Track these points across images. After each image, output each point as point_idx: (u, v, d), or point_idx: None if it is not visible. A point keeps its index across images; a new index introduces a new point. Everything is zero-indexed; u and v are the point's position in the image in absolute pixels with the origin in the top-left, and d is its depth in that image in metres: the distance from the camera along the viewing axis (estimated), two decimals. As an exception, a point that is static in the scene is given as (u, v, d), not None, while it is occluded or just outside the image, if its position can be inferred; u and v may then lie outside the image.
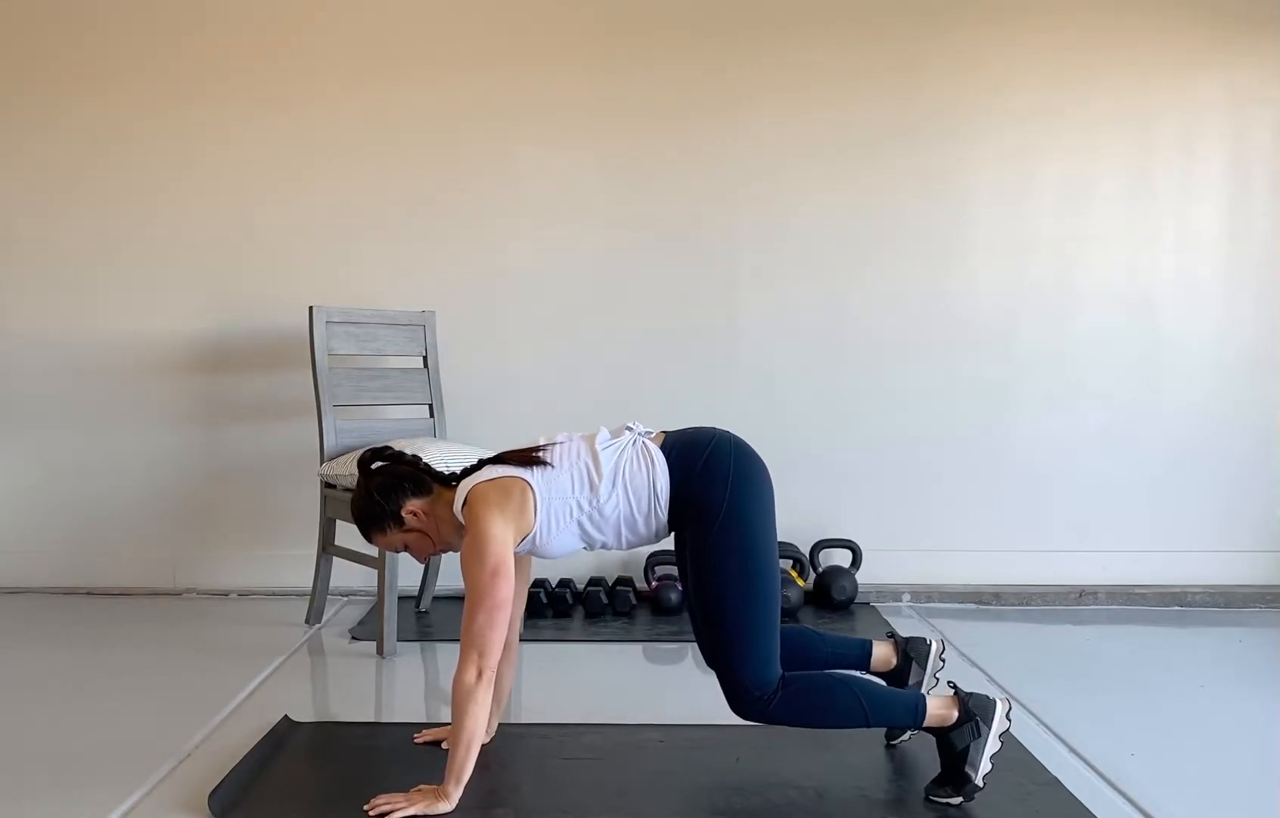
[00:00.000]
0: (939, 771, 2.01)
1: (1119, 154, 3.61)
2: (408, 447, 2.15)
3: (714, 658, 1.99)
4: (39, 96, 3.60)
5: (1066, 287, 3.63)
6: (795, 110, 3.60)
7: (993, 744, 1.96)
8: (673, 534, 2.07)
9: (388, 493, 2.03)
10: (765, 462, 2.05)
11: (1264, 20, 3.56)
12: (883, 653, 2.23)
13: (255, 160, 3.61)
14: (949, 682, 2.15)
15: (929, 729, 2.00)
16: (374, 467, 2.09)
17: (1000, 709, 1.98)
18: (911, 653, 2.22)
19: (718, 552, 1.95)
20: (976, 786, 1.95)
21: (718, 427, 2.08)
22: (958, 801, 1.96)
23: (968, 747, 1.95)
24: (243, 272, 3.62)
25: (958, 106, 3.60)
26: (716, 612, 1.96)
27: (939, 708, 1.99)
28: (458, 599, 3.48)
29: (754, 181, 3.62)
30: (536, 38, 3.60)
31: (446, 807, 1.86)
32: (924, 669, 2.22)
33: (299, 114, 3.60)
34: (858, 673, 2.11)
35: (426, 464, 2.10)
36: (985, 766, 1.95)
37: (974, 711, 1.97)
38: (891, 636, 2.29)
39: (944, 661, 2.27)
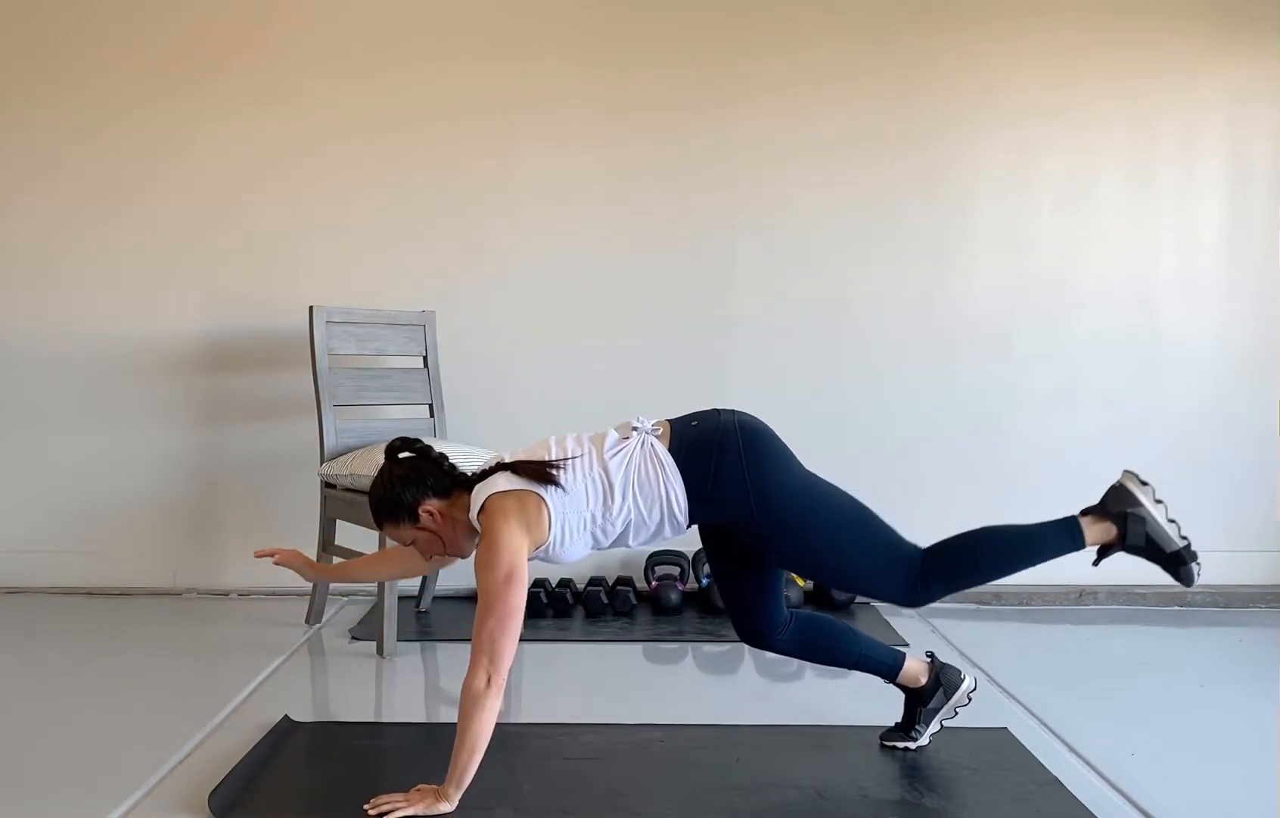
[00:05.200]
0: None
1: (1119, 154, 3.61)
2: (436, 444, 2.14)
3: (862, 592, 2.14)
4: (34, 94, 3.60)
5: (1066, 286, 3.63)
6: (795, 109, 3.60)
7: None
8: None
9: (408, 485, 2.01)
10: (775, 432, 2.08)
11: (1264, 20, 3.56)
12: (914, 668, 2.21)
13: (254, 158, 3.60)
14: (927, 652, 2.28)
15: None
16: (401, 455, 2.08)
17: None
18: (942, 679, 2.20)
19: (785, 534, 2.00)
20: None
21: (720, 412, 2.08)
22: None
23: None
24: (243, 272, 3.62)
25: (958, 106, 3.60)
26: (834, 567, 2.07)
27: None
28: (458, 599, 3.48)
29: (754, 180, 3.61)
30: (536, 36, 3.60)
31: (446, 808, 1.86)
32: (948, 699, 2.20)
33: (298, 112, 3.59)
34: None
35: (452, 465, 2.08)
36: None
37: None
38: (930, 656, 2.25)
39: (971, 699, 2.24)
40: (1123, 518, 2.04)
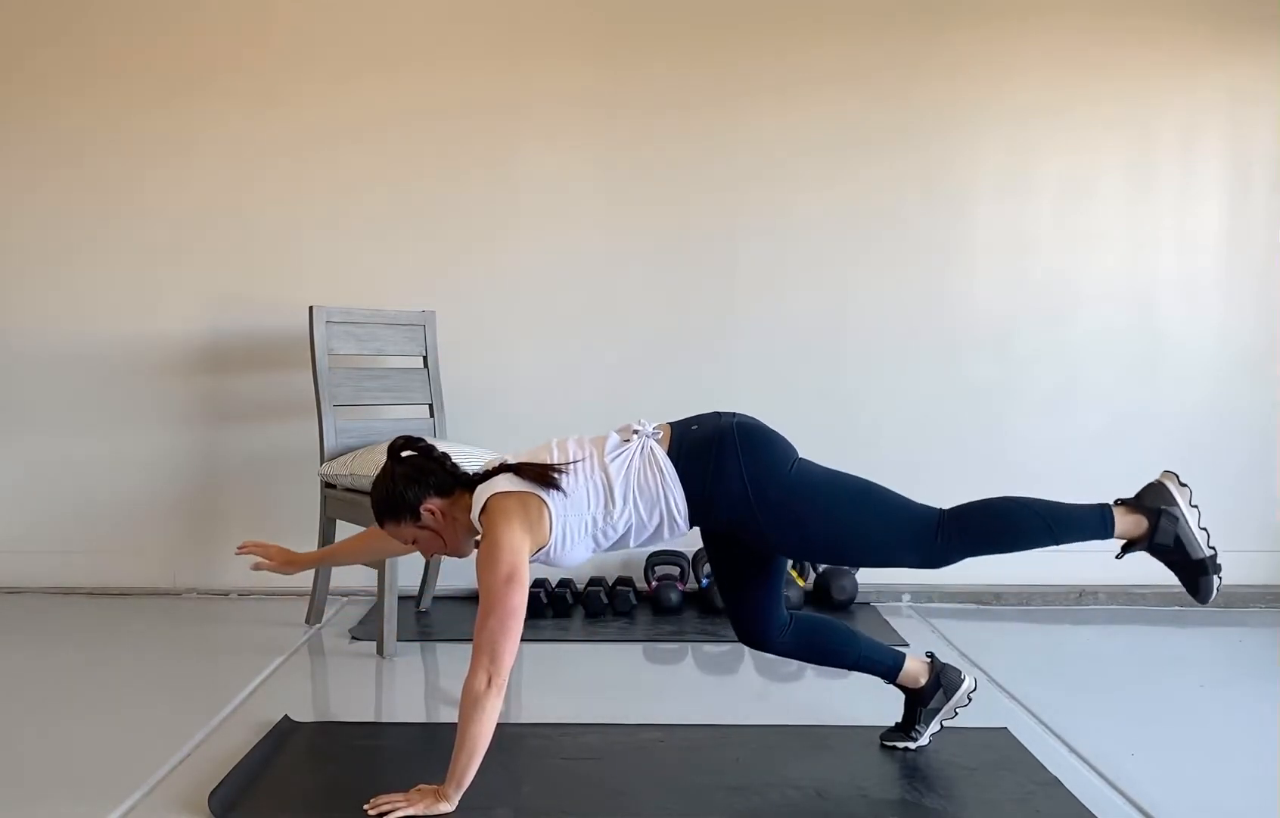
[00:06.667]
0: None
1: (1119, 154, 3.61)
2: (439, 444, 2.15)
3: (878, 563, 2.08)
4: (34, 95, 3.60)
5: (1066, 286, 3.63)
6: (795, 109, 3.60)
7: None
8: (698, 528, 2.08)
9: (410, 484, 2.01)
10: (774, 430, 2.07)
11: (1264, 20, 3.56)
12: (914, 669, 2.20)
13: (254, 159, 3.60)
14: (927, 653, 2.26)
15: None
16: (404, 454, 2.08)
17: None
18: (943, 680, 2.19)
19: (786, 527, 1.98)
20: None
21: (720, 415, 2.07)
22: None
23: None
24: (243, 272, 3.61)
25: (958, 106, 3.60)
26: (840, 546, 2.07)
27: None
28: (458, 599, 3.48)
29: (754, 180, 3.61)
30: (536, 35, 3.60)
31: (446, 808, 1.85)
32: (948, 700, 2.19)
33: (298, 112, 3.59)
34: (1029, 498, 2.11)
35: (454, 464, 2.08)
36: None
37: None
38: (930, 656, 2.24)
39: (971, 700, 2.23)
40: (1156, 514, 1.98)
